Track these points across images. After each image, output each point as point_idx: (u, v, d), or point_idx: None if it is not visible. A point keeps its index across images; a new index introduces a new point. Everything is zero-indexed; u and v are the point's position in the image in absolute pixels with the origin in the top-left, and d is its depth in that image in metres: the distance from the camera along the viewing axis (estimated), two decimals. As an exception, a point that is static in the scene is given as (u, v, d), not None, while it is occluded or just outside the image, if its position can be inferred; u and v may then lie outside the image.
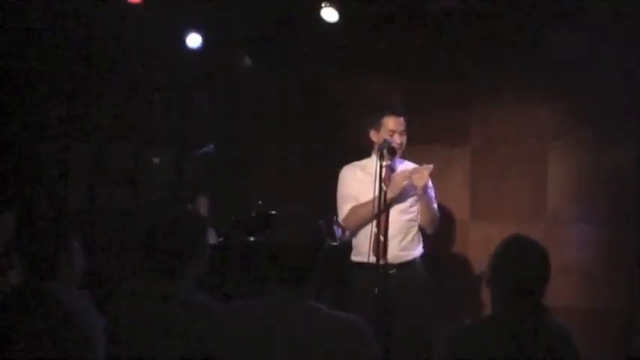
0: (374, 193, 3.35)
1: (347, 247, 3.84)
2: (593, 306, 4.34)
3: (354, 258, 3.67)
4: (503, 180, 4.72)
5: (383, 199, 3.33)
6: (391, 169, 3.59)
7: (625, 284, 4.26)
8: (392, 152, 3.49)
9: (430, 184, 3.65)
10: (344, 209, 3.66)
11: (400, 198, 3.56)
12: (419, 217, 3.65)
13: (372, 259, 3.42)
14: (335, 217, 4.07)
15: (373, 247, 3.46)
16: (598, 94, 4.40)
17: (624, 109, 4.36)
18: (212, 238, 5.03)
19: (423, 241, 3.73)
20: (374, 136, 3.62)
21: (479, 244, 4.65)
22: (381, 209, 3.35)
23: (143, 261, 2.30)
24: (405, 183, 3.48)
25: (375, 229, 3.42)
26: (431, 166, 3.50)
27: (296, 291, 1.94)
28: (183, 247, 2.27)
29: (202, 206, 5.65)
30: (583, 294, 4.37)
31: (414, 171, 3.52)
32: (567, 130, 4.55)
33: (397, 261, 3.50)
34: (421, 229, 3.70)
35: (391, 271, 3.46)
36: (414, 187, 3.55)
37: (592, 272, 4.37)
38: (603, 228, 4.38)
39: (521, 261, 2.15)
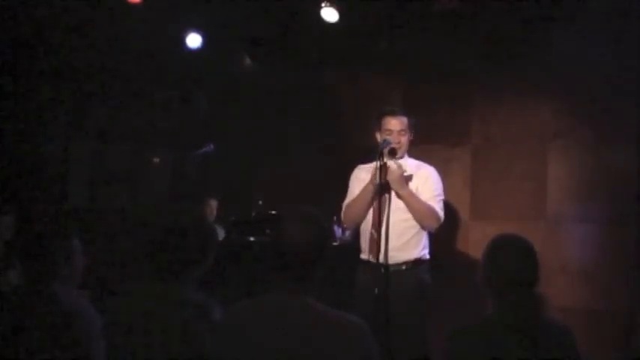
0: (364, 192, 3.40)
1: (347, 247, 3.85)
2: (593, 306, 4.33)
3: (361, 256, 3.68)
4: (503, 180, 4.72)
5: (375, 195, 3.34)
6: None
7: (625, 284, 4.26)
8: (392, 153, 3.49)
9: (434, 179, 3.65)
10: (343, 207, 3.70)
11: (396, 196, 3.56)
12: None
13: (371, 257, 3.45)
14: (335, 217, 4.09)
15: (369, 245, 3.49)
16: (598, 94, 4.40)
17: (624, 109, 4.35)
18: (220, 236, 5.06)
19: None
20: (378, 137, 3.64)
21: (479, 244, 4.60)
22: (381, 208, 3.37)
23: (146, 262, 2.30)
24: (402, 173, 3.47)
25: (371, 229, 3.47)
26: (399, 162, 3.50)
27: (298, 289, 1.94)
28: (191, 252, 2.27)
29: (210, 208, 5.66)
30: (583, 294, 4.36)
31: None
32: (567, 130, 4.54)
33: (391, 261, 3.48)
34: (429, 233, 3.69)
35: (388, 270, 3.44)
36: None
37: (592, 272, 4.37)
38: (603, 228, 4.38)
39: (506, 257, 2.17)
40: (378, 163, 3.33)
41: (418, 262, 3.59)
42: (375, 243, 3.46)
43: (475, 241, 4.71)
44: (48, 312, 2.30)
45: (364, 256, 3.60)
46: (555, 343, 2.11)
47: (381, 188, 3.42)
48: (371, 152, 3.62)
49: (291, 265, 1.95)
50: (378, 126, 3.63)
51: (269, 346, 1.87)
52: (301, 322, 1.89)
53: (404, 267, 3.53)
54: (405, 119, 3.61)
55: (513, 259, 2.17)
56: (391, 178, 3.45)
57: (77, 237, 2.55)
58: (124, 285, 2.35)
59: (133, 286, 2.31)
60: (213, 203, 5.66)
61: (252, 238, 4.60)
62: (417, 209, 3.54)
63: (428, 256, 3.66)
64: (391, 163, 3.46)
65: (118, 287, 2.34)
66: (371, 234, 3.49)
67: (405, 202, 3.52)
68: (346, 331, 1.88)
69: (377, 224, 3.44)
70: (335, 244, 4.47)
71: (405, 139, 3.60)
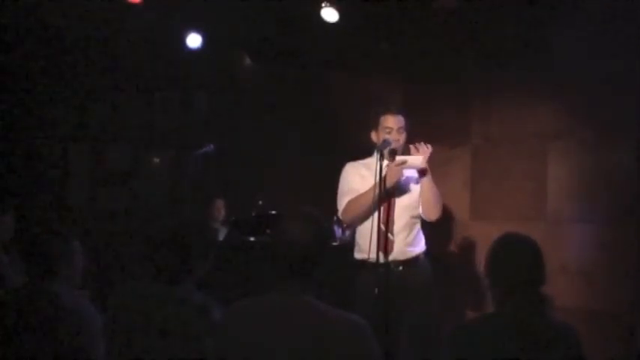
0: (374, 189, 3.36)
1: (347, 247, 3.84)
2: (593, 306, 4.32)
3: (356, 255, 3.65)
4: (504, 180, 4.72)
5: (381, 193, 3.33)
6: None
7: (625, 284, 4.25)
8: (393, 153, 3.48)
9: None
10: (342, 202, 3.64)
11: (403, 192, 3.56)
12: (421, 212, 3.65)
13: (374, 256, 3.41)
14: (335, 217, 4.07)
15: (380, 243, 3.44)
16: (598, 94, 4.39)
17: (624, 109, 4.35)
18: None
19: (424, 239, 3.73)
20: (374, 136, 3.63)
21: (479, 244, 4.65)
22: (381, 206, 3.36)
23: (146, 262, 2.31)
24: (402, 170, 3.46)
25: (381, 226, 3.43)
26: (428, 148, 3.51)
27: (298, 289, 1.94)
28: (190, 252, 2.27)
29: (219, 208, 5.69)
30: (583, 294, 4.36)
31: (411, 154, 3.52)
32: (567, 130, 4.54)
33: (403, 257, 3.49)
34: (422, 227, 3.69)
35: (398, 268, 3.46)
36: (416, 180, 3.57)
37: (592, 272, 4.36)
38: (603, 228, 4.37)
39: (512, 257, 2.17)
40: (379, 164, 3.31)
41: (425, 254, 3.66)
42: (387, 241, 3.46)
43: (475, 241, 4.72)
44: (48, 312, 2.30)
45: (364, 255, 3.54)
46: (559, 342, 2.11)
47: (391, 192, 3.44)
48: (371, 152, 3.63)
49: (292, 265, 1.95)
50: (376, 125, 3.62)
51: (269, 346, 1.87)
52: (302, 322, 1.89)
53: (416, 261, 3.57)
54: (402, 117, 3.61)
55: (519, 259, 2.16)
56: (417, 163, 3.48)
57: (77, 237, 2.55)
58: (124, 285, 2.35)
59: (133, 286, 2.32)
60: (220, 203, 5.69)
61: (252, 238, 4.60)
62: (433, 195, 3.55)
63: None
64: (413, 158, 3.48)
65: (119, 287, 2.35)
66: (383, 232, 3.47)
67: (425, 188, 3.54)
68: (347, 330, 1.88)
69: (386, 222, 3.45)
70: (335, 244, 4.48)
71: (403, 138, 3.60)
